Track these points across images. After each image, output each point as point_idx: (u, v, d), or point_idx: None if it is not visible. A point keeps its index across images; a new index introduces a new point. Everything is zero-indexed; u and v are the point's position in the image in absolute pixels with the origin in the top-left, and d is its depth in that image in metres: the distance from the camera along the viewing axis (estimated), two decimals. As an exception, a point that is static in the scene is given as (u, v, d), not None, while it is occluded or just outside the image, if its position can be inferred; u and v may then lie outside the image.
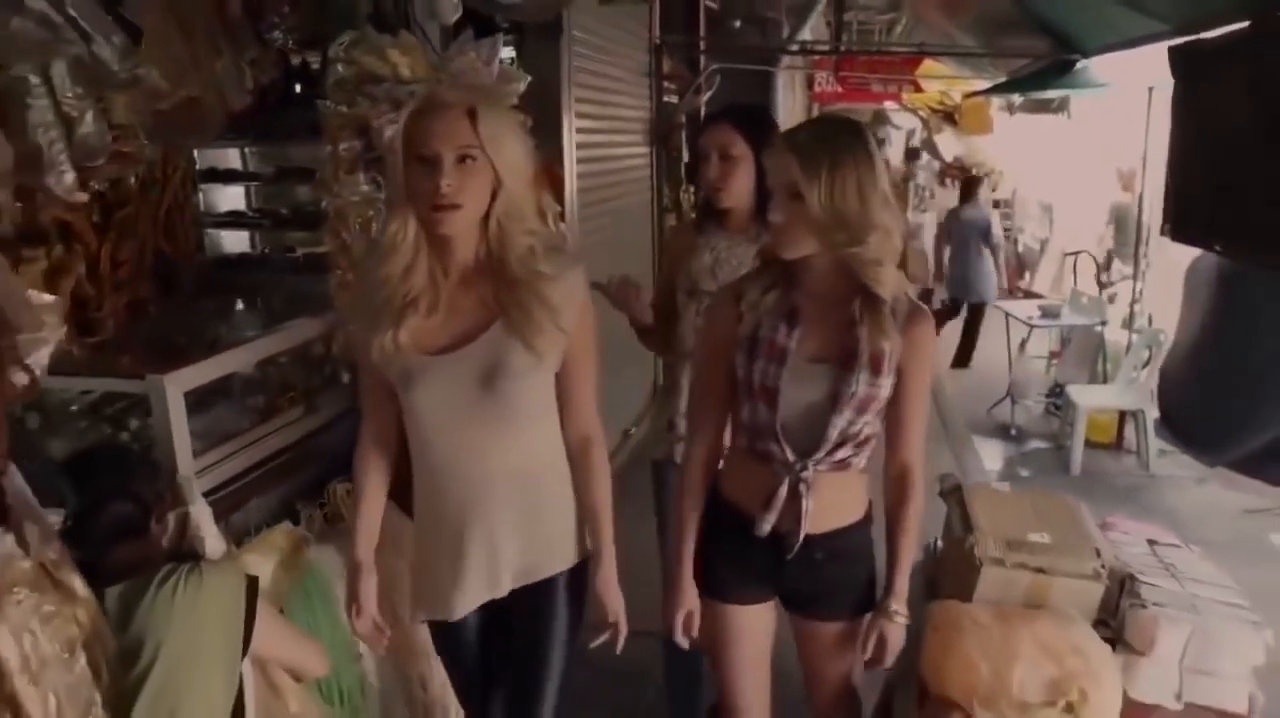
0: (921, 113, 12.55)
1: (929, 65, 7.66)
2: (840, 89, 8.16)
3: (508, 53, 3.26)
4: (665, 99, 6.04)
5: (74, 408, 2.06)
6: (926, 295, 7.73)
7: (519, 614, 1.70)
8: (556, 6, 3.14)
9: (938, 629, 2.03)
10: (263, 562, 1.98)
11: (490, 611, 1.71)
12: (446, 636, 1.77)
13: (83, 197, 1.15)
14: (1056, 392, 5.96)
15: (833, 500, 1.69)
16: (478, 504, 1.61)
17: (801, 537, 1.67)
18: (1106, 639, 2.06)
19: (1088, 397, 5.33)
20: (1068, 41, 4.73)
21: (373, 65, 2.40)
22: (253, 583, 1.80)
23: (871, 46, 8.15)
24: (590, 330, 1.65)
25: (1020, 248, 10.19)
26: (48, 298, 1.43)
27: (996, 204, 11.06)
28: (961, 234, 7.20)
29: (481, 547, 1.63)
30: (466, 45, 2.46)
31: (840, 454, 1.65)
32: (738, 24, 6.75)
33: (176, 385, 1.92)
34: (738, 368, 1.68)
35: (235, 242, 3.28)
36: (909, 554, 1.73)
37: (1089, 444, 5.27)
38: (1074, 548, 2.14)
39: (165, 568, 1.65)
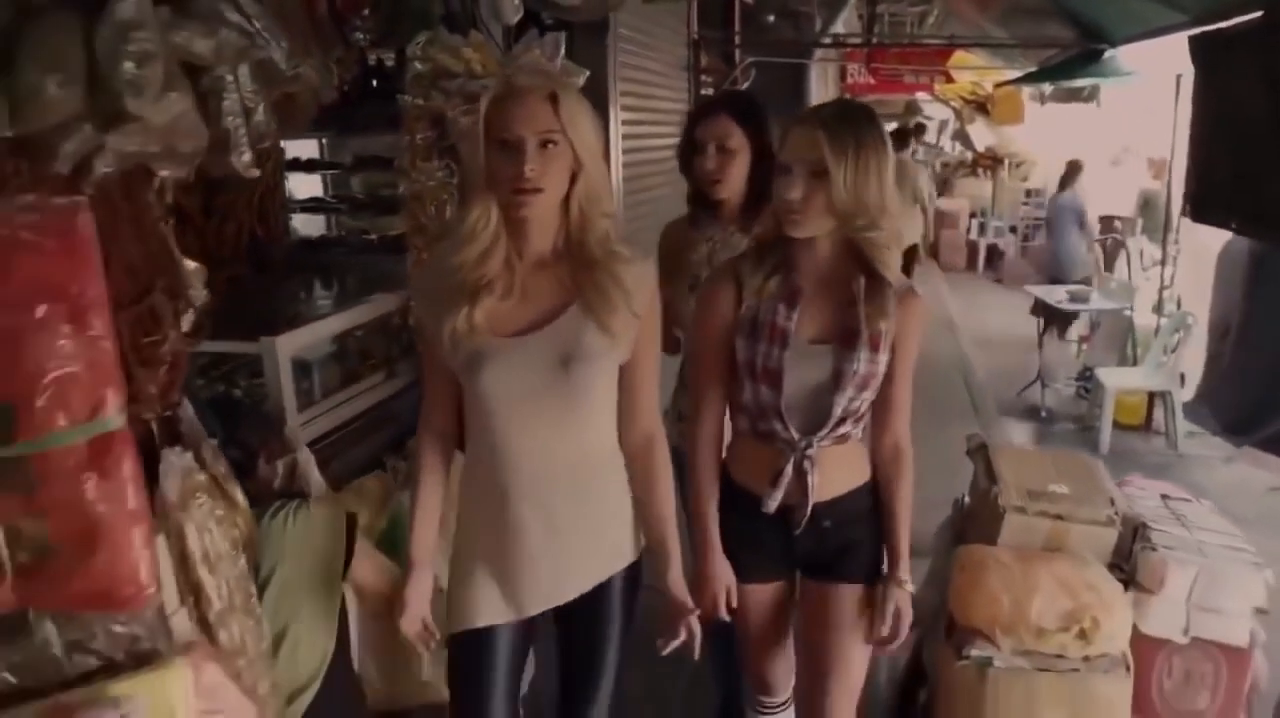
0: (954, 103, 12.62)
1: (960, 56, 7.78)
2: (872, 80, 8.30)
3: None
4: (703, 91, 6.26)
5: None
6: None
7: (577, 617, 1.66)
8: (610, 7, 3.35)
9: (965, 570, 2.24)
10: (358, 503, 2.23)
11: (530, 620, 1.65)
12: (480, 646, 1.64)
13: (256, 172, 1.39)
14: (1086, 375, 6.09)
15: (836, 471, 1.71)
16: (540, 498, 1.56)
17: (809, 511, 1.69)
18: (1120, 581, 2.26)
19: (1116, 378, 5.47)
20: (1095, 32, 4.87)
21: (447, 62, 2.65)
22: (352, 519, 2.05)
23: (903, 39, 8.27)
24: (657, 322, 1.64)
25: (1053, 237, 10.27)
26: (192, 264, 1.68)
27: (1029, 194, 11.21)
28: (1058, 219, 7.45)
29: (544, 544, 1.57)
30: (532, 42, 2.70)
31: (842, 430, 1.68)
32: (771, 18, 6.93)
33: (286, 347, 2.18)
34: (738, 351, 1.67)
35: (313, 225, 3.55)
36: (907, 526, 1.75)
37: (1118, 426, 5.39)
38: (1090, 497, 2.34)
39: (276, 503, 1.91)
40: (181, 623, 1.33)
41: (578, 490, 1.58)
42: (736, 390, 1.72)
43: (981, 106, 11.88)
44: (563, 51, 2.71)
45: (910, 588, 1.73)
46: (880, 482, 1.77)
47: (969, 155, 12.63)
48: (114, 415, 1.06)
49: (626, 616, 1.68)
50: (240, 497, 1.57)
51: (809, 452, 1.66)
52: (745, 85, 6.67)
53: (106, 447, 1.06)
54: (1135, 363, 5.85)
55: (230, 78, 1.23)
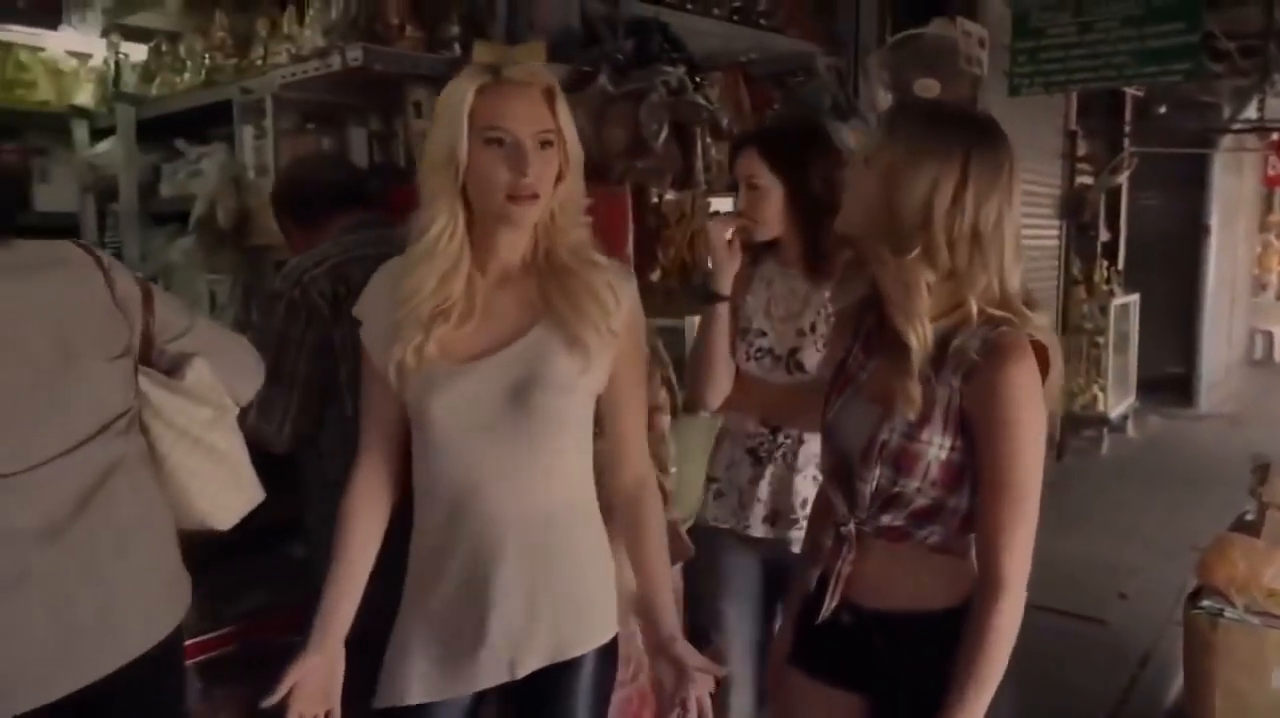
0: None
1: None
2: (1285, 171, 7.77)
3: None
4: (1079, 179, 6.64)
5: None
6: None
7: (534, 701, 1.40)
8: (963, 99, 4.13)
9: (1215, 546, 2.61)
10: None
11: (480, 698, 1.41)
12: None
13: (673, 194, 2.49)
14: None
15: (889, 578, 1.36)
16: (501, 552, 1.32)
17: (833, 599, 1.38)
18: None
19: None
20: None
21: (829, 140, 3.67)
22: None
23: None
24: (641, 347, 1.45)
25: None
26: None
27: None
28: None
29: (502, 611, 1.33)
30: (893, 124, 3.62)
31: (886, 520, 1.33)
32: (1163, 109, 7.07)
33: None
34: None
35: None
36: (976, 677, 1.25)
37: None
38: (1361, 507, 2.57)
39: None
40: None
41: (541, 546, 1.35)
42: None
43: None
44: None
45: None
46: None
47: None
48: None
49: (599, 704, 1.43)
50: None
51: (844, 529, 1.38)
52: (1127, 173, 6.92)
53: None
54: None
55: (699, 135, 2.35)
